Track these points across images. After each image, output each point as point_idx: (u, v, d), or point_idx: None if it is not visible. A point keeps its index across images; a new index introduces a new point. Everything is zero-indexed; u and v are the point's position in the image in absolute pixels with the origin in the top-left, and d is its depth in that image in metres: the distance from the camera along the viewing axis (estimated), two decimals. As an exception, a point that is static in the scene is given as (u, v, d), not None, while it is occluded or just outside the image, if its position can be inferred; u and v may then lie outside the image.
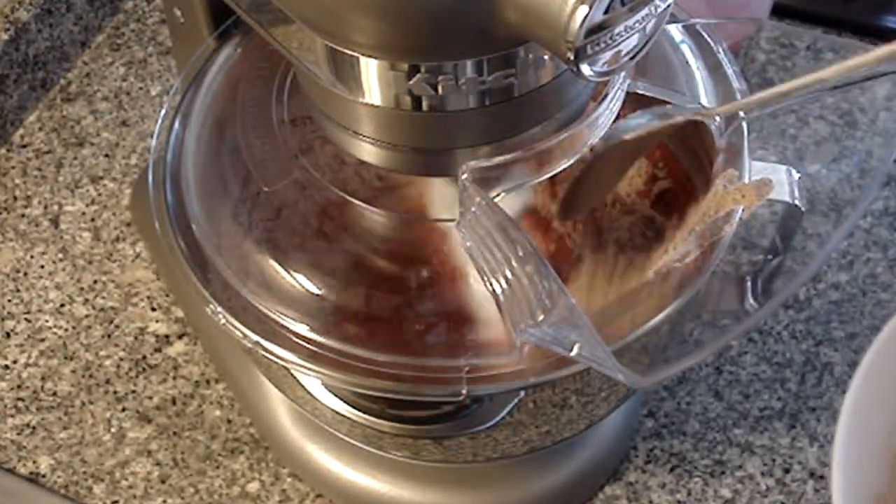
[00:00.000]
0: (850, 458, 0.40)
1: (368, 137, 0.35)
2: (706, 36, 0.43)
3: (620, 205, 0.43)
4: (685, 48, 0.42)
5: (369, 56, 0.31)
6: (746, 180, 0.39)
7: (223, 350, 0.56)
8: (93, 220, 0.63)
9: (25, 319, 0.59)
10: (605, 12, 0.27)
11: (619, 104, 0.36)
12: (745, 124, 0.40)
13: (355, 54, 0.32)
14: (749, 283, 0.43)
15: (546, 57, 0.32)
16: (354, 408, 0.43)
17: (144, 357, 0.58)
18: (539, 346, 0.33)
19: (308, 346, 0.38)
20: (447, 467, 0.51)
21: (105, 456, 0.55)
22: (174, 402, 0.56)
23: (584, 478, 0.52)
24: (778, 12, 0.66)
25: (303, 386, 0.43)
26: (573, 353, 0.31)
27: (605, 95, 0.35)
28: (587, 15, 0.27)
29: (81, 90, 0.69)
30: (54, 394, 0.57)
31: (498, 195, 0.34)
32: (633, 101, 0.38)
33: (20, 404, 0.56)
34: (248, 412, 0.55)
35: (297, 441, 0.53)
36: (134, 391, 0.56)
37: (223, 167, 0.43)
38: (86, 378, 0.57)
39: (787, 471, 0.53)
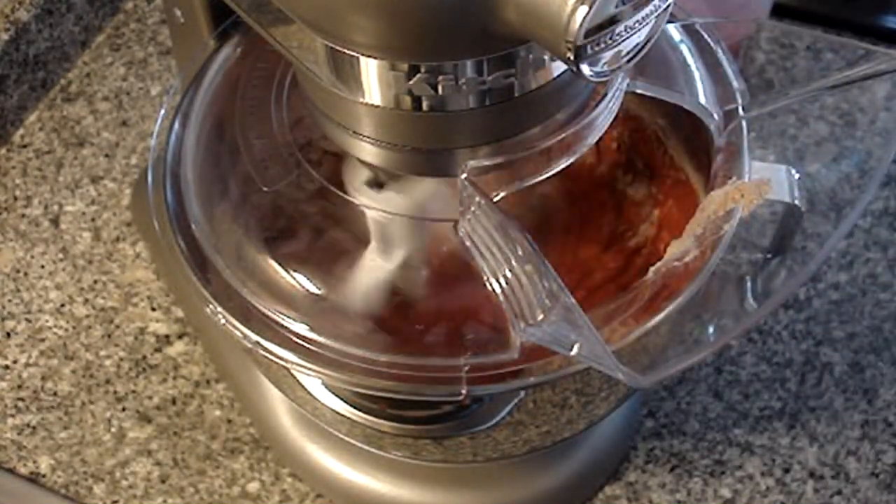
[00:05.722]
0: None
1: (368, 137, 0.35)
2: (705, 35, 0.43)
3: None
4: (684, 48, 0.42)
5: (369, 56, 0.31)
6: (746, 180, 0.39)
7: (223, 350, 0.56)
8: (93, 220, 0.63)
9: (26, 319, 0.59)
10: (606, 12, 0.28)
11: (618, 104, 0.36)
12: (744, 123, 0.40)
13: (355, 54, 0.32)
14: (749, 283, 0.43)
15: (546, 57, 0.32)
16: (354, 408, 0.43)
17: (144, 357, 0.58)
18: (539, 346, 0.33)
19: (308, 346, 0.38)
20: (447, 467, 0.51)
21: (105, 456, 0.55)
22: (174, 402, 0.56)
23: (584, 478, 0.52)
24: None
25: (303, 386, 0.43)
26: (573, 353, 0.31)
27: (605, 95, 0.36)
28: (587, 15, 0.27)
29: (81, 90, 0.69)
30: (54, 394, 0.57)
31: (498, 195, 0.34)
32: (633, 101, 0.38)
33: (20, 404, 0.56)
34: (248, 412, 0.55)
35: (297, 441, 0.53)
36: (134, 391, 0.56)
37: (223, 167, 0.43)
38: (86, 378, 0.57)
39: (786, 471, 0.53)
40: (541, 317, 0.32)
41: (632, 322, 0.37)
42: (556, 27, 0.27)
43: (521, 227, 0.33)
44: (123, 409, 0.56)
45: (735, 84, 0.42)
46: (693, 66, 0.42)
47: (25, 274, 0.61)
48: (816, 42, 0.67)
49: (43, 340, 0.59)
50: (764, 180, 0.38)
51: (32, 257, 0.62)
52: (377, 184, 0.40)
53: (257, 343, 0.38)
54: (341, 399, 0.43)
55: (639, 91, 0.38)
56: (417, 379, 0.37)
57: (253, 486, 0.54)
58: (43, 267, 0.61)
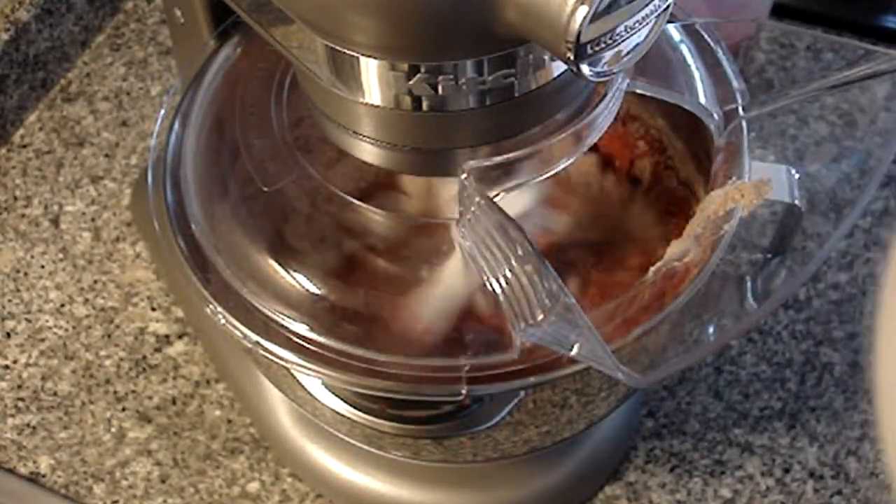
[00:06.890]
0: None
1: (368, 137, 0.35)
2: (705, 35, 0.43)
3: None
4: (684, 48, 0.42)
5: (369, 56, 0.31)
6: (746, 180, 0.39)
7: (223, 350, 0.56)
8: (93, 220, 0.63)
9: (26, 319, 0.59)
10: (606, 12, 0.28)
11: (618, 104, 0.36)
12: (744, 123, 0.40)
13: (355, 54, 0.32)
14: (749, 283, 0.43)
15: (546, 57, 0.32)
16: (354, 408, 0.43)
17: (144, 357, 0.58)
18: (539, 346, 0.33)
19: (308, 346, 0.38)
20: (447, 467, 0.51)
21: (105, 456, 0.55)
22: (174, 402, 0.56)
23: (584, 478, 0.52)
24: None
25: (303, 386, 0.43)
26: (573, 353, 0.31)
27: (605, 95, 0.36)
28: (587, 15, 0.27)
29: (81, 90, 0.69)
30: (54, 394, 0.57)
31: (498, 195, 0.34)
32: (633, 101, 0.38)
33: (20, 404, 0.56)
34: (248, 412, 0.55)
35: (297, 441, 0.53)
36: (134, 391, 0.56)
37: (223, 167, 0.43)
38: (86, 378, 0.57)
39: (786, 471, 0.53)
40: (541, 317, 0.32)
41: (632, 322, 0.37)
42: (556, 27, 0.27)
43: (521, 227, 0.33)
44: (123, 409, 0.56)
45: (735, 84, 0.42)
46: (693, 66, 0.42)
47: (25, 274, 0.61)
48: (816, 42, 0.67)
49: (43, 340, 0.59)
50: (764, 180, 0.38)
51: (32, 257, 0.62)
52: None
53: (257, 343, 0.38)
54: (341, 399, 0.43)
55: (639, 91, 0.38)
56: (417, 379, 0.37)
57: (253, 486, 0.54)
58: (43, 267, 0.61)
